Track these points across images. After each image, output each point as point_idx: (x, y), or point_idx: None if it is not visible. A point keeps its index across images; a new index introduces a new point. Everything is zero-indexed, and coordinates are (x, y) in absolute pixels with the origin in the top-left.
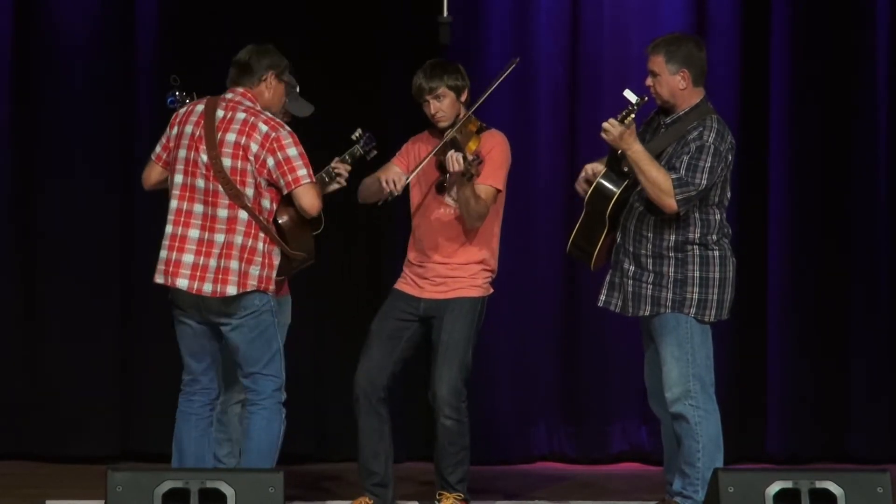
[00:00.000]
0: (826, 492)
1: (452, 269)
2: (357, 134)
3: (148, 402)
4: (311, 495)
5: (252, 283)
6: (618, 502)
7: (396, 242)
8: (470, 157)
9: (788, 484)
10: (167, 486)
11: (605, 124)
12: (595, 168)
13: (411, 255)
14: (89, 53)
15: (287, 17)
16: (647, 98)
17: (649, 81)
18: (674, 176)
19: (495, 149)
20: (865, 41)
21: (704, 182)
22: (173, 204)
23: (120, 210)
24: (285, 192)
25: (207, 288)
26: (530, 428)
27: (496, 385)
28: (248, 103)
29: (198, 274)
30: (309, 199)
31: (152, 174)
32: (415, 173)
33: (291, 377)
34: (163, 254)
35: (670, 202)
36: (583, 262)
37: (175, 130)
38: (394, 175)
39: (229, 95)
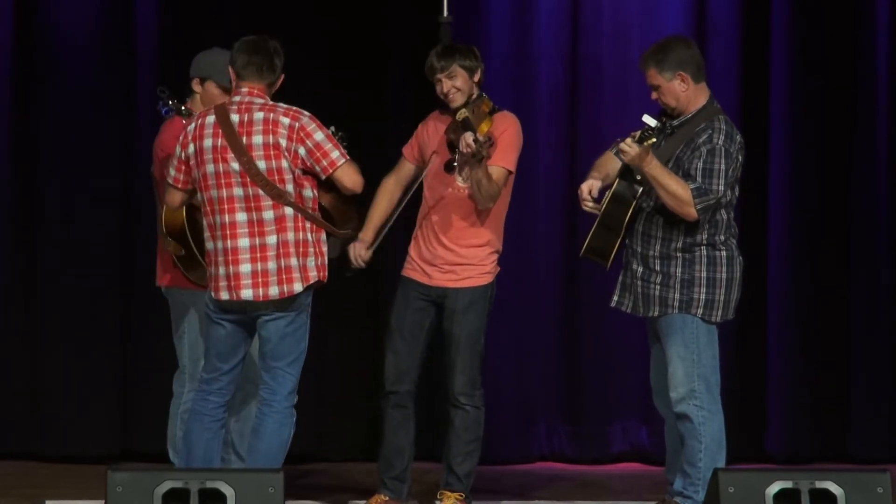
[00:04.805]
0: (826, 492)
1: (459, 256)
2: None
3: (148, 402)
4: (311, 495)
5: (312, 275)
6: (618, 502)
7: (397, 240)
8: (482, 139)
9: (788, 484)
10: (167, 486)
11: (622, 145)
12: (591, 185)
13: (419, 234)
14: (89, 54)
15: (287, 18)
16: (665, 119)
17: (654, 95)
18: (692, 186)
19: (507, 130)
20: (865, 41)
21: (721, 187)
22: (216, 219)
23: (121, 211)
24: (323, 177)
25: (273, 291)
26: (530, 428)
27: (496, 385)
28: (260, 101)
29: (259, 280)
30: (350, 179)
31: (176, 198)
32: (377, 243)
33: None
34: (221, 270)
35: (691, 211)
36: (598, 264)
37: (191, 148)
38: (359, 250)
39: (236, 98)
